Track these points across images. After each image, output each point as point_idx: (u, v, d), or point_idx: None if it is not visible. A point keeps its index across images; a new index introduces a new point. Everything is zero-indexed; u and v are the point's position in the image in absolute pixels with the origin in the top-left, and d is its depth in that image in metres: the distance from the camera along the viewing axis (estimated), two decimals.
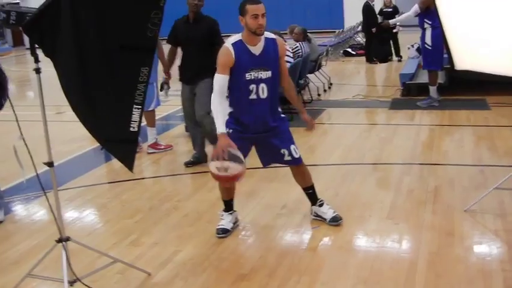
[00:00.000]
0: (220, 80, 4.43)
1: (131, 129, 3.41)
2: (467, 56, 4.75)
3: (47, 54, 3.38)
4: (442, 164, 6.43)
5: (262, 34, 4.41)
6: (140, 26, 3.20)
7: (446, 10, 4.70)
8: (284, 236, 4.78)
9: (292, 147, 4.70)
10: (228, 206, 4.95)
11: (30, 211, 5.74)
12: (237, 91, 4.52)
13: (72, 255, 4.13)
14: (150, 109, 7.55)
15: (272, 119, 4.63)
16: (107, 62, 3.30)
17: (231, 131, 4.51)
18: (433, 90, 9.55)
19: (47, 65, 3.63)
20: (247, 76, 4.43)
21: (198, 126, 6.64)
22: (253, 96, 4.50)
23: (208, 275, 4.16)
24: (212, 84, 4.70)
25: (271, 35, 4.55)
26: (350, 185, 5.88)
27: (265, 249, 4.55)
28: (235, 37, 4.46)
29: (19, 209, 5.89)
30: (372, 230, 4.75)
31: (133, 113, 3.37)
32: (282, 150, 4.70)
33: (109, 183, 6.57)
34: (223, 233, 4.82)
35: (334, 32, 18.76)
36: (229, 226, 4.88)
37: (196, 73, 6.52)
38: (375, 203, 5.30)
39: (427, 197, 5.35)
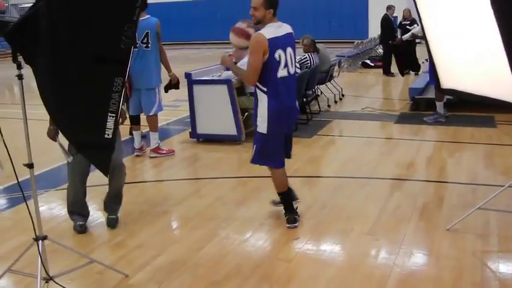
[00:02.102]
0: None
1: (106, 136, 3.53)
2: (450, 75, 4.78)
3: (27, 62, 3.52)
4: (434, 181, 6.45)
5: (256, 25, 4.82)
6: (114, 38, 3.33)
7: (430, 29, 4.74)
8: (263, 245, 4.85)
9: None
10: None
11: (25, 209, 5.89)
12: None
13: (57, 254, 4.30)
14: (152, 114, 7.64)
15: None
16: (81, 72, 3.42)
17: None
18: (439, 105, 9.53)
19: None
20: None
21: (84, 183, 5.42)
22: None
23: (183, 280, 4.26)
24: None
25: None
26: (339, 198, 5.93)
27: (243, 257, 4.63)
28: None
29: (15, 206, 6.05)
30: (350, 245, 4.80)
31: (108, 121, 3.49)
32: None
33: (106, 185, 6.67)
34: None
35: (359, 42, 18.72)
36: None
37: None
38: (359, 218, 5.34)
39: (412, 214, 5.36)
